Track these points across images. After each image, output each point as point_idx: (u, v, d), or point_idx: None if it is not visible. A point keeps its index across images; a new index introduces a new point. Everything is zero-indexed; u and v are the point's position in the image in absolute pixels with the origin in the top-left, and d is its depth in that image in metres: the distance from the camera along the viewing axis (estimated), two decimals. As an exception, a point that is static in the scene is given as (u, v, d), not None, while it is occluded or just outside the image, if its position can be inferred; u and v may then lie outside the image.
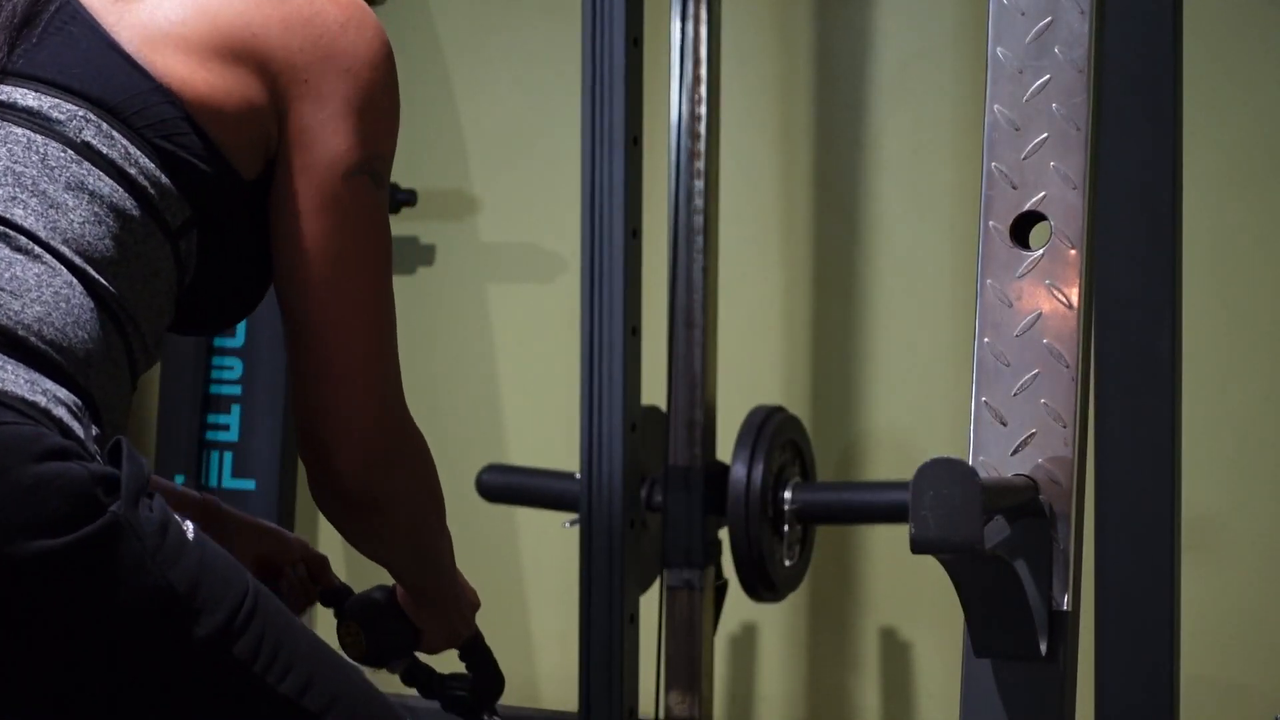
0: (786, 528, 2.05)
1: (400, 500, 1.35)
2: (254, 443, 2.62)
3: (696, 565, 2.05)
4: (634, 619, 2.02)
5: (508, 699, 2.61)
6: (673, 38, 2.08)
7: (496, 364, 2.66)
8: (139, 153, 1.21)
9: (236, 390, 2.69)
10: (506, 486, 2.28)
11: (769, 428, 2.04)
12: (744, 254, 2.47)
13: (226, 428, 2.67)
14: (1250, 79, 2.22)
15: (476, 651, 1.58)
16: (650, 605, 2.05)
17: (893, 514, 2.08)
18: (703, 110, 2.07)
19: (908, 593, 2.39)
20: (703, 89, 2.07)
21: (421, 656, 1.54)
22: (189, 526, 1.14)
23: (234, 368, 2.69)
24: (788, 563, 2.07)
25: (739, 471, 2.00)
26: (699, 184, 2.07)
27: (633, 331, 2.01)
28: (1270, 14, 2.21)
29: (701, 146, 2.06)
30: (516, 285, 2.64)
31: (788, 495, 2.05)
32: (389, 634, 1.47)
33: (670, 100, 2.09)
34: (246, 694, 1.15)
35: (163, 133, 1.22)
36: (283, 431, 2.59)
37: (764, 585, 2.04)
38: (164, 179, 1.22)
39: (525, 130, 2.63)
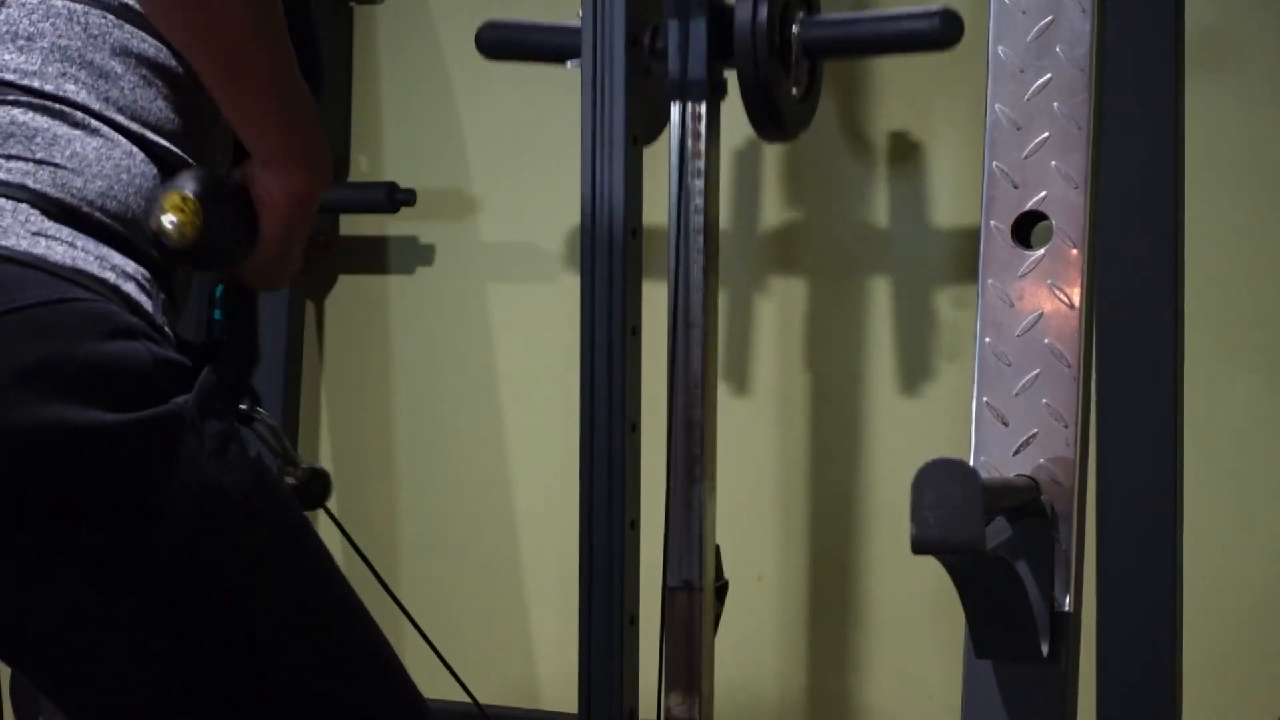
0: (794, 61, 2.03)
1: None
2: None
3: (701, 97, 2.01)
4: (634, 620, 2.01)
5: (509, 700, 2.62)
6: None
7: (496, 364, 2.65)
8: None
9: (235, 391, 2.69)
10: (507, 40, 2.21)
11: None
12: (744, 253, 2.46)
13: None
14: (1252, 78, 2.22)
15: (236, 309, 1.25)
16: (650, 606, 2.04)
17: (901, 43, 2.05)
18: (703, 110, 2.06)
19: (908, 594, 2.39)
20: (703, 88, 2.07)
21: None
22: (254, 449, 1.15)
23: (233, 368, 2.69)
24: (795, 94, 2.04)
25: (744, 5, 1.98)
26: (699, 184, 2.06)
27: (632, 332, 2.01)
28: (1272, 13, 2.20)
29: (701, 146, 2.06)
30: (516, 285, 2.64)
31: (795, 29, 2.02)
32: (227, 217, 1.17)
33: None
34: (280, 616, 1.15)
35: None
36: (281, 431, 2.58)
37: (772, 120, 2.02)
38: None
39: (525, 130, 2.62)
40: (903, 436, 2.39)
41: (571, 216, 2.06)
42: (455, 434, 2.69)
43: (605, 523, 1.99)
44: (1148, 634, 1.71)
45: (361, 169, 2.73)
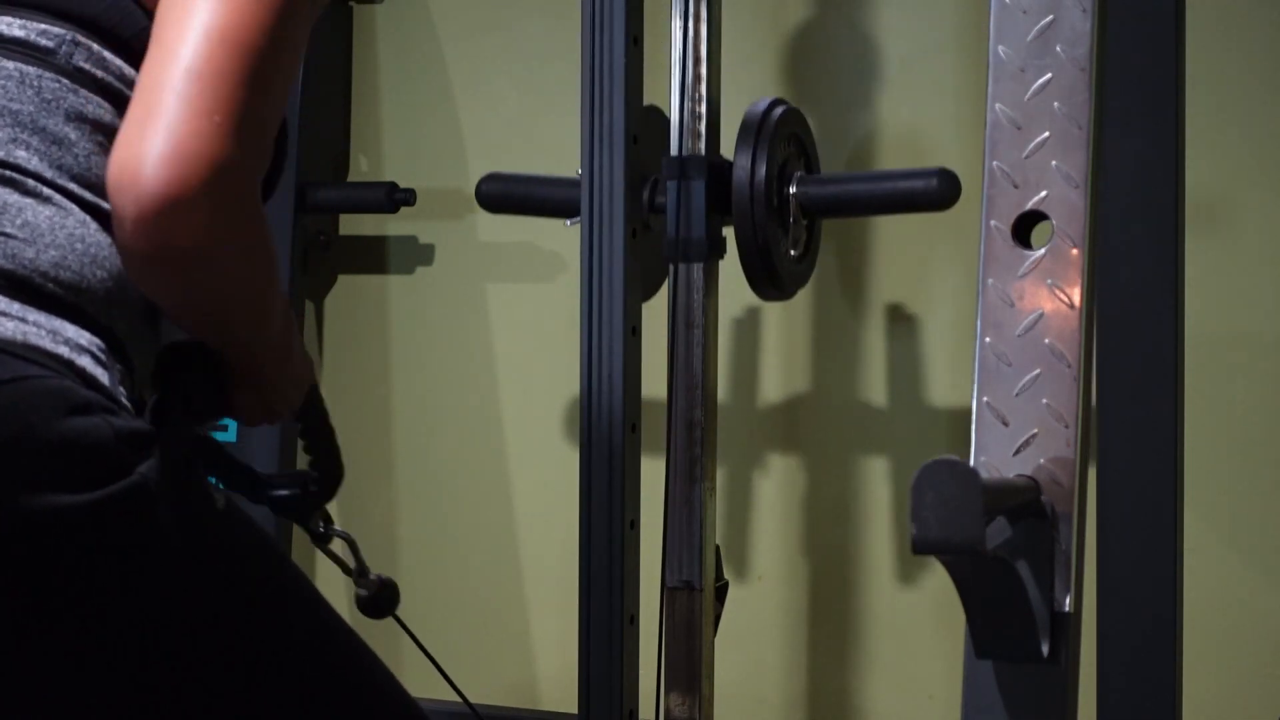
0: (792, 220, 2.02)
1: (205, 263, 1.10)
2: (252, 445, 2.61)
3: (700, 258, 2.00)
4: (634, 620, 2.01)
5: (508, 701, 2.61)
6: (673, 37, 2.07)
7: (496, 364, 2.65)
8: (134, 70, 1.18)
9: (235, 390, 2.69)
10: (506, 195, 2.21)
11: (771, 119, 2.00)
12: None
13: (224, 428, 2.67)
14: (1252, 77, 2.22)
15: (309, 431, 1.36)
16: (650, 606, 2.04)
17: (899, 203, 2.03)
18: (703, 110, 2.06)
19: (908, 594, 2.39)
20: (703, 89, 2.06)
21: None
22: (221, 497, 1.13)
23: (233, 368, 2.68)
24: (793, 255, 2.03)
25: (742, 163, 1.98)
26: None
27: (633, 332, 2.01)
28: (1273, 12, 2.20)
29: (702, 146, 2.06)
30: (516, 285, 2.63)
31: (793, 189, 2.02)
32: (196, 392, 1.20)
33: (670, 100, 2.09)
34: (267, 672, 1.14)
35: (146, 41, 1.17)
36: (281, 434, 2.58)
37: (770, 279, 2.01)
38: None
39: (525, 130, 2.62)
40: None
41: (571, 216, 2.06)
42: (455, 434, 2.68)
43: (605, 523, 1.98)
44: (1148, 634, 1.70)
45: (361, 169, 2.73)
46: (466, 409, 2.67)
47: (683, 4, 2.07)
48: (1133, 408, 1.71)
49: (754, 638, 2.46)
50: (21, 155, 1.14)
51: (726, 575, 2.11)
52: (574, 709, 2.03)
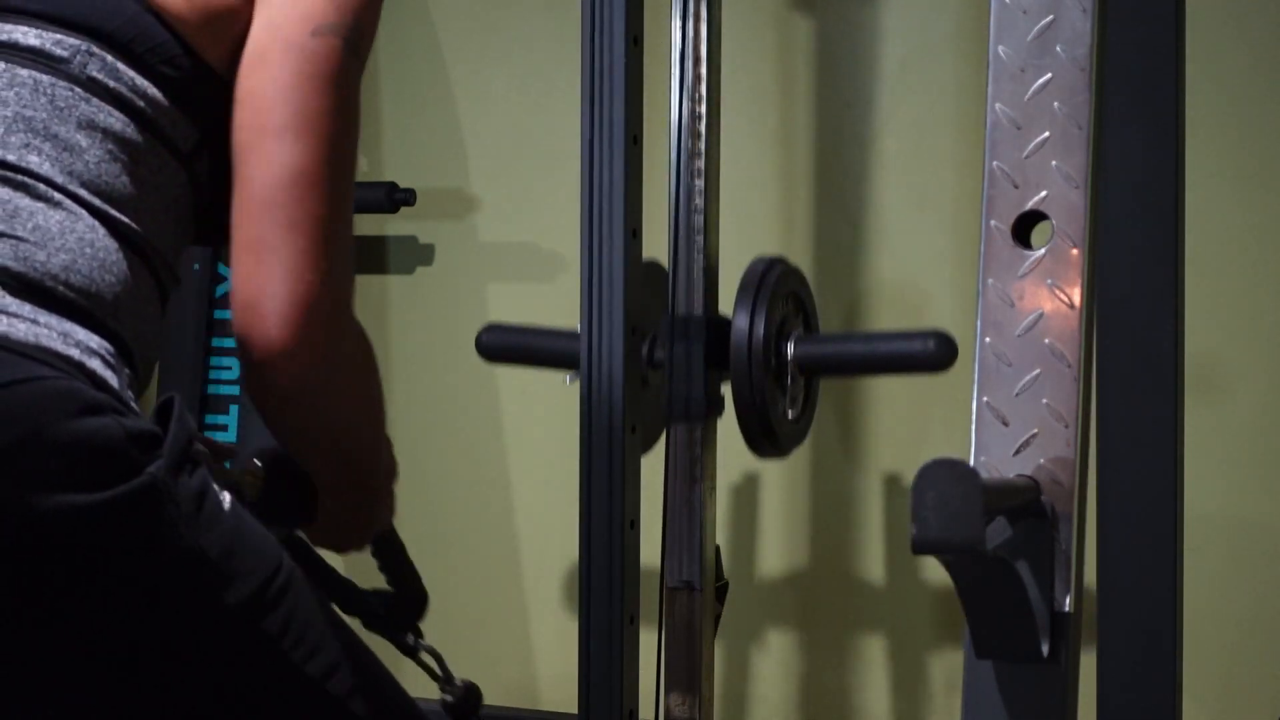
0: (790, 380, 2.02)
1: (327, 397, 1.22)
2: (252, 443, 2.62)
3: (698, 418, 2.01)
4: (634, 620, 2.01)
5: (509, 701, 2.61)
6: (673, 38, 2.07)
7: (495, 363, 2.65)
8: (146, 83, 1.21)
9: (234, 390, 2.69)
10: (505, 346, 2.22)
11: (770, 278, 2.00)
12: (744, 254, 2.46)
13: (225, 428, 2.67)
14: (1252, 77, 2.22)
15: (393, 565, 1.48)
16: (650, 606, 2.04)
17: (895, 364, 2.03)
18: (703, 110, 2.06)
19: (908, 594, 2.39)
20: (703, 89, 2.06)
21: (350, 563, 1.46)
22: (226, 497, 1.14)
23: (231, 368, 2.69)
24: (790, 415, 2.03)
25: (740, 322, 1.98)
26: (699, 184, 2.06)
27: (633, 331, 2.01)
28: (1273, 11, 2.20)
29: (701, 146, 2.06)
30: (516, 285, 2.63)
31: (790, 347, 2.02)
32: (285, 499, 1.30)
33: (670, 100, 2.09)
34: (272, 669, 1.15)
35: (161, 57, 1.21)
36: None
37: (766, 438, 2.01)
38: (170, 105, 1.22)
39: (525, 130, 2.62)
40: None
41: (571, 216, 2.06)
42: (455, 434, 2.68)
43: (605, 523, 1.98)
44: (1148, 634, 1.70)
45: (361, 169, 2.71)
46: (466, 409, 2.67)
47: (683, 4, 2.07)
48: (1133, 408, 1.71)
49: (753, 637, 2.46)
50: (33, 160, 1.16)
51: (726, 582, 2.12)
52: (574, 709, 2.03)
